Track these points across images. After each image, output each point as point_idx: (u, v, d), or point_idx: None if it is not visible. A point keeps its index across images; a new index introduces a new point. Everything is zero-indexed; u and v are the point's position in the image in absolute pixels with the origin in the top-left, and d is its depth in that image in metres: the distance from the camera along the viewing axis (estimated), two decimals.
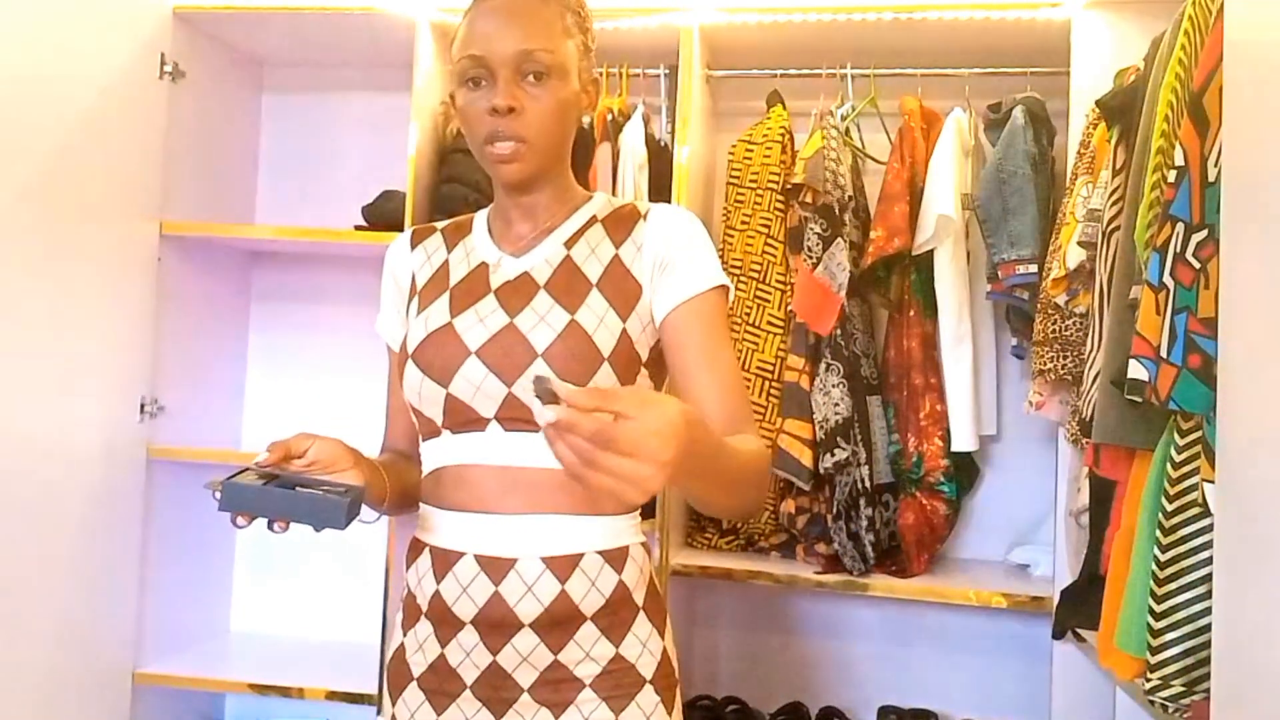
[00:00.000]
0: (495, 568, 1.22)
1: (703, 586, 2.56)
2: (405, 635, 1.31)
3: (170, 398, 2.39)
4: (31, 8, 1.95)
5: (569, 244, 1.31)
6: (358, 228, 2.41)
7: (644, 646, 1.27)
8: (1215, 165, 1.26)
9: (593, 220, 1.33)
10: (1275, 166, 1.01)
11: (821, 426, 2.21)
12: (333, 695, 2.27)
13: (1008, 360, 2.43)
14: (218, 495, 1.13)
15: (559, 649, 1.23)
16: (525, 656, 1.23)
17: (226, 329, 2.66)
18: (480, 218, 1.39)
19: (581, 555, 1.23)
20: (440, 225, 1.42)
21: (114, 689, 2.26)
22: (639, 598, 1.28)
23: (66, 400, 2.08)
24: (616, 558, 1.26)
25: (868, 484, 2.22)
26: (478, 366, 1.23)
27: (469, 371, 1.24)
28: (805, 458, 2.22)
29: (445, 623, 1.25)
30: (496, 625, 1.22)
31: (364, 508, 1.23)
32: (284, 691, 2.29)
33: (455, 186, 2.24)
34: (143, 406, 2.31)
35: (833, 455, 2.18)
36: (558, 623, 1.22)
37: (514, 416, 1.23)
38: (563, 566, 1.22)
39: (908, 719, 2.40)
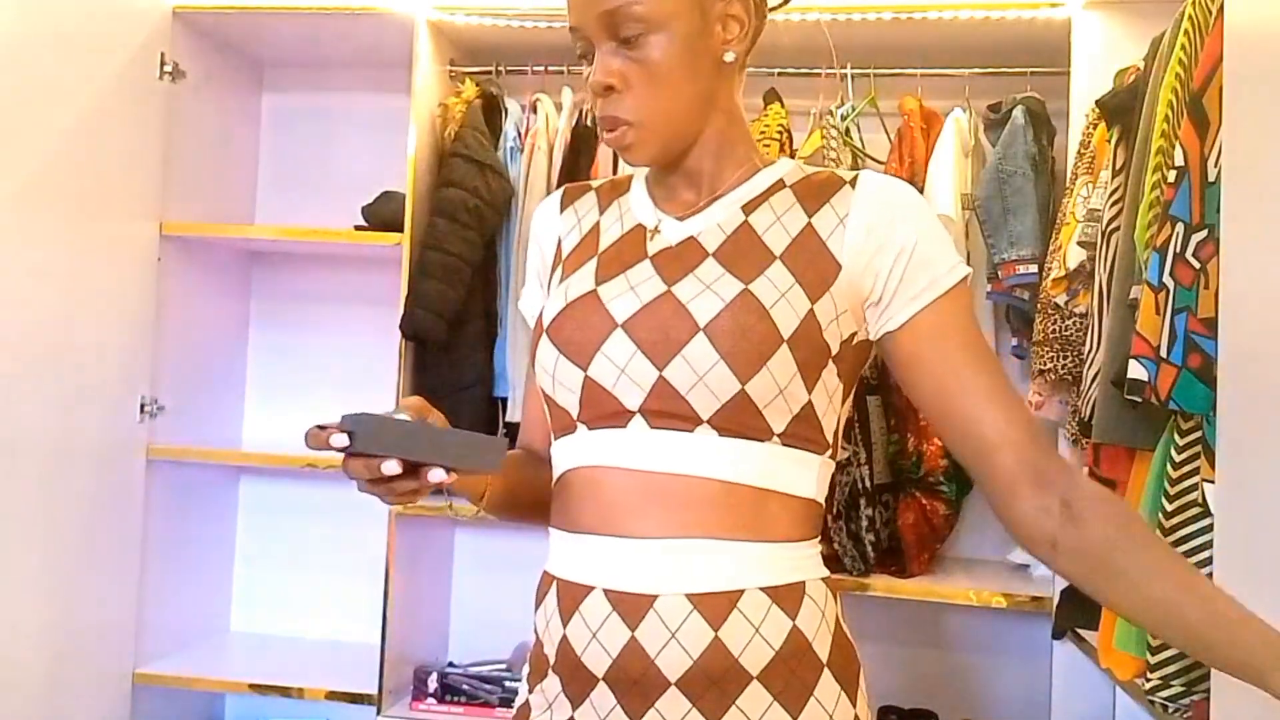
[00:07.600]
0: (629, 606, 0.96)
1: None
2: (531, 693, 1.07)
3: (170, 398, 2.39)
4: (31, 8, 1.95)
5: (748, 209, 1.06)
6: (358, 228, 2.41)
7: (830, 717, 0.98)
8: (1215, 165, 1.26)
9: (779, 185, 1.08)
10: (1275, 166, 1.01)
11: None
12: (333, 695, 2.27)
13: (1008, 360, 2.41)
14: (312, 437, 0.88)
15: (718, 718, 0.96)
16: None
17: (226, 329, 2.66)
18: (640, 175, 1.15)
19: (741, 593, 0.96)
20: (596, 184, 1.18)
21: (114, 689, 2.26)
22: (822, 651, 0.99)
23: (67, 400, 2.08)
24: (788, 596, 0.98)
25: (868, 484, 2.22)
26: (624, 343, 1.00)
27: (612, 349, 1.00)
28: None
29: (575, 678, 1.00)
30: (635, 683, 0.96)
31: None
32: (284, 691, 2.28)
33: (454, 190, 2.24)
34: (143, 406, 2.30)
35: None
36: (714, 681, 0.95)
37: (664, 410, 0.98)
38: (715, 606, 0.96)
39: (908, 719, 2.40)
